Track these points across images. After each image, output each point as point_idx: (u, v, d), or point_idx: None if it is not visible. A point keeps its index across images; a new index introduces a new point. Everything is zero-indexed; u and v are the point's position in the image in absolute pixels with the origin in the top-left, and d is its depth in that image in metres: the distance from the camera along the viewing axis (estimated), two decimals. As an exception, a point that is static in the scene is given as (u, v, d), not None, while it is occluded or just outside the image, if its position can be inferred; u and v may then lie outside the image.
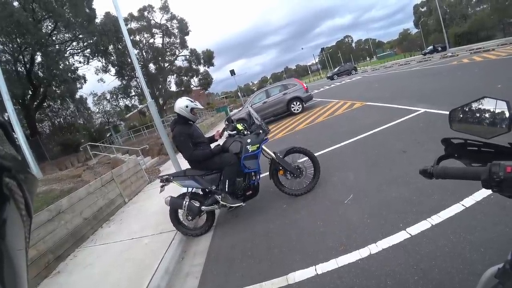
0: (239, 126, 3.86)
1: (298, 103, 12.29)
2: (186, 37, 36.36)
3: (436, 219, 2.46)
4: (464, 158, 0.88)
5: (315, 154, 4.04)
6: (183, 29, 35.45)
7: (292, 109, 12.29)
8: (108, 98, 34.83)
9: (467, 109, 0.89)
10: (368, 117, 7.37)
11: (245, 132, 3.81)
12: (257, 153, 3.65)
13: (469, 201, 2.53)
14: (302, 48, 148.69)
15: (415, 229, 2.44)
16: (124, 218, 5.23)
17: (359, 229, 2.72)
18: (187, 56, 37.73)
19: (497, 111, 0.80)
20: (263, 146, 3.74)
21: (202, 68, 39.21)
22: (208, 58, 38.22)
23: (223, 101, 57.30)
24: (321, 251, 2.59)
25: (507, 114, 0.77)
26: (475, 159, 0.84)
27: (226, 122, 4.00)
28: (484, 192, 2.52)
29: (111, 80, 48.00)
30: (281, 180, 3.90)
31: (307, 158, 3.93)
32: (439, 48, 39.21)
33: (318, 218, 3.18)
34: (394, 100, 8.23)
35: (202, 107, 3.77)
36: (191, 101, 3.71)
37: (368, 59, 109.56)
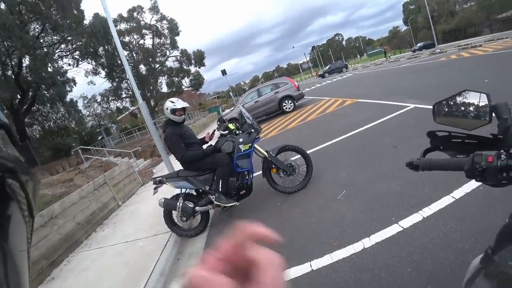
0: (231, 126, 3.86)
1: (289, 101, 12.32)
2: (177, 38, 36.06)
3: (427, 211, 2.51)
4: (449, 150, 0.89)
5: (308, 152, 4.07)
6: (174, 29, 35.17)
7: (284, 107, 12.33)
8: (98, 100, 34.46)
9: (450, 103, 0.92)
10: (359, 113, 7.44)
11: (237, 132, 3.81)
12: (249, 152, 3.65)
13: (458, 193, 2.58)
14: (293, 47, 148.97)
15: (407, 222, 2.48)
16: (118, 221, 5.19)
17: (352, 224, 2.75)
18: (178, 57, 37.45)
19: (478, 103, 0.82)
20: (256, 145, 3.75)
21: (193, 69, 38.85)
22: (199, 58, 37.91)
23: (215, 101, 57.09)
24: (315, 247, 2.61)
25: (488, 106, 0.79)
26: (459, 151, 0.86)
27: (218, 122, 3.99)
28: (473, 184, 2.58)
29: (101, 83, 47.61)
30: (274, 178, 3.92)
31: (299, 155, 3.95)
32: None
33: (312, 214, 3.21)
34: (384, 97, 8.33)
35: (184, 105, 3.67)
36: (172, 102, 3.66)
37: (358, 56, 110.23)
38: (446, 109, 0.93)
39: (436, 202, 2.58)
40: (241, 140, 3.65)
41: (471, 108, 0.84)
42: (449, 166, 0.77)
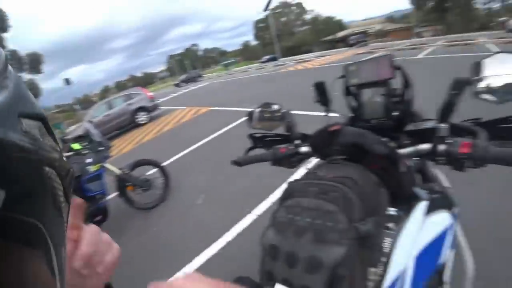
0: (76, 146, 3.41)
1: (143, 113, 11.77)
2: (4, 34, 28.14)
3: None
4: (265, 146, 1.24)
5: (165, 163, 4.07)
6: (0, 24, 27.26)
7: (138, 120, 11.67)
8: None
9: (262, 110, 1.22)
10: (213, 120, 7.96)
11: (84, 152, 3.40)
12: (100, 173, 3.34)
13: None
14: (149, 55, 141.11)
15: (260, 209, 2.92)
16: None
17: (213, 223, 2.98)
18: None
19: (275, 110, 1.18)
20: (106, 164, 3.45)
21: (26, 76, 31.10)
22: (35, 62, 30.51)
23: (56, 116, 47.72)
24: (185, 253, 2.66)
25: (280, 112, 1.15)
26: (269, 146, 1.19)
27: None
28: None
29: None
30: (132, 196, 3.67)
31: (156, 168, 3.90)
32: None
33: (176, 224, 3.27)
34: (237, 104, 9.20)
35: None
36: None
37: (214, 66, 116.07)
38: (259, 116, 1.23)
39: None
40: (88, 161, 3.28)
41: (272, 114, 1.19)
42: (261, 158, 1.09)
